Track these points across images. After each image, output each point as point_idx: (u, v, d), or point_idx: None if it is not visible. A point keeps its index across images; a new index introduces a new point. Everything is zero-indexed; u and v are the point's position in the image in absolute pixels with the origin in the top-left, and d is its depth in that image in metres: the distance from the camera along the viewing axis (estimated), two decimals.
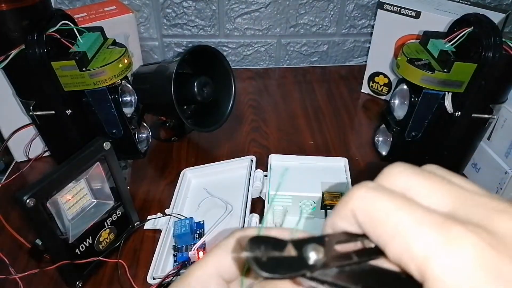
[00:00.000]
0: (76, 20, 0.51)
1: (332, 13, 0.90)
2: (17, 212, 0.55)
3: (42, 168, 0.65)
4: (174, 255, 0.50)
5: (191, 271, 0.22)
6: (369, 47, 0.83)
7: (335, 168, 0.57)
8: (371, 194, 0.17)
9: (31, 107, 0.49)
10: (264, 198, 0.56)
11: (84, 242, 0.47)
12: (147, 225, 0.54)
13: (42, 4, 0.48)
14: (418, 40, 0.55)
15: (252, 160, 0.60)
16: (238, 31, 0.90)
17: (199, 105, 0.70)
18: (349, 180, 0.55)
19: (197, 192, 0.59)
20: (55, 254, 0.44)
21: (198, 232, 0.51)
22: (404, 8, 0.69)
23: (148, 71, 0.67)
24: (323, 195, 0.52)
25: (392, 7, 0.70)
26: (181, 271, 0.47)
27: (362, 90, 0.84)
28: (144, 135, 0.61)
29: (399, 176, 0.17)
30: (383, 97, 0.82)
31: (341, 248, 0.17)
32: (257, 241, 0.16)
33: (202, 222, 0.52)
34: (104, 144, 0.45)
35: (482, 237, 0.14)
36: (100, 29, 0.52)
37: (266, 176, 0.57)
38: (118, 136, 0.54)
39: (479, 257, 0.14)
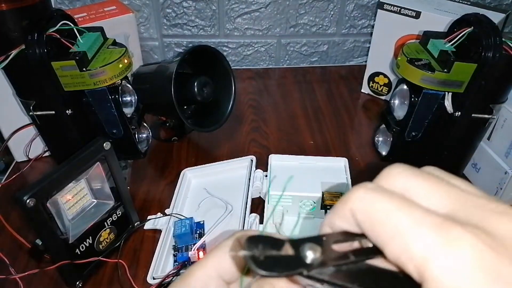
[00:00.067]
0: (76, 20, 0.51)
1: (332, 13, 0.90)
2: (17, 212, 0.55)
3: (42, 168, 0.65)
4: (174, 255, 0.50)
5: (191, 272, 0.22)
6: (369, 47, 0.83)
7: (335, 168, 0.57)
8: (370, 194, 0.17)
9: (31, 107, 0.49)
10: (264, 198, 0.56)
11: (84, 242, 0.47)
12: (147, 225, 0.54)
13: (42, 4, 0.48)
14: (418, 40, 0.55)
15: (252, 160, 0.60)
16: (238, 31, 0.90)
17: (199, 105, 0.70)
18: (349, 180, 0.55)
19: (197, 192, 0.59)
20: (55, 254, 0.44)
21: (198, 232, 0.51)
22: (404, 8, 0.69)
23: (148, 71, 0.67)
24: (323, 195, 0.52)
25: (392, 7, 0.70)
26: (181, 271, 0.47)
27: (362, 90, 0.84)
28: (144, 135, 0.61)
29: (398, 177, 0.17)
30: (383, 97, 0.82)
31: (339, 247, 0.17)
32: (255, 240, 0.17)
33: (202, 222, 0.52)
34: (104, 144, 0.45)
35: (481, 238, 0.14)
36: (100, 29, 0.52)
37: (266, 176, 0.57)
38: (118, 136, 0.54)
39: (478, 258, 0.14)
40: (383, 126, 0.60)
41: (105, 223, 0.49)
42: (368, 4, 0.89)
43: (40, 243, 0.45)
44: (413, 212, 0.16)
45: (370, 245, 0.17)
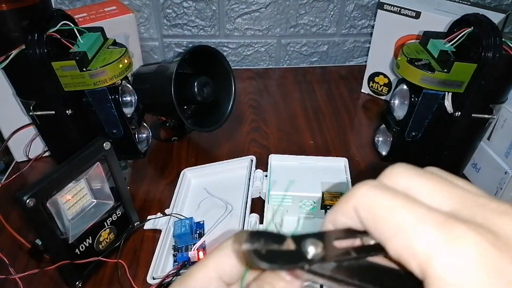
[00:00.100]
0: (76, 20, 0.51)
1: (332, 13, 0.90)
2: (17, 212, 0.55)
3: (42, 168, 0.65)
4: (174, 255, 0.50)
5: (191, 273, 0.22)
6: (369, 47, 0.83)
7: (335, 168, 0.57)
8: (373, 191, 0.17)
9: (31, 107, 0.49)
10: (264, 198, 0.56)
11: (84, 242, 0.47)
12: (147, 225, 0.54)
13: (42, 4, 0.48)
14: (418, 40, 0.55)
15: (252, 160, 0.60)
16: (238, 31, 0.90)
17: (199, 105, 0.70)
18: (349, 180, 0.55)
19: (197, 192, 0.59)
20: (55, 254, 0.44)
21: (198, 232, 0.51)
22: (404, 8, 0.69)
23: (148, 71, 0.67)
24: (323, 195, 0.52)
25: (392, 7, 0.70)
26: (181, 271, 0.47)
27: (362, 90, 0.84)
28: (144, 135, 0.61)
29: (401, 176, 0.18)
30: (383, 97, 0.82)
31: (340, 244, 0.17)
32: (257, 235, 0.17)
33: (202, 222, 0.52)
34: (104, 144, 0.45)
35: (484, 236, 0.14)
36: (100, 29, 0.52)
37: (266, 176, 0.57)
38: (118, 136, 0.54)
39: (481, 256, 0.14)
40: (383, 126, 0.60)
41: (105, 223, 0.49)
42: (368, 4, 0.89)
43: (40, 243, 0.45)
44: (416, 210, 0.16)
45: (372, 242, 0.17)
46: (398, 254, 0.16)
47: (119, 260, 0.49)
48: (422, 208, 0.16)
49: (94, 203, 0.49)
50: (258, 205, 0.56)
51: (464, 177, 0.63)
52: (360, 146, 0.70)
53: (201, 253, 0.47)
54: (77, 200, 0.46)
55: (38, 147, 0.65)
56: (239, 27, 0.90)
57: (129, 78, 0.58)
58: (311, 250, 0.16)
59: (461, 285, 0.14)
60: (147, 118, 0.62)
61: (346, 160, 0.58)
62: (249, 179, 0.57)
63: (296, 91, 0.85)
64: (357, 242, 0.18)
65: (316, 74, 0.92)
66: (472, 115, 0.51)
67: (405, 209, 0.16)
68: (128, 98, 0.56)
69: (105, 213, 0.49)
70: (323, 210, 0.52)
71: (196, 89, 0.65)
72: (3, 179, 0.63)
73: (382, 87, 0.81)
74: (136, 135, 0.58)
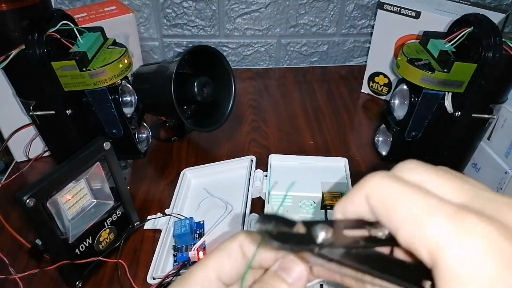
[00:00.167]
0: (76, 20, 0.51)
1: (332, 13, 0.90)
2: (17, 212, 0.55)
3: (42, 168, 0.65)
4: (174, 255, 0.50)
5: (191, 273, 0.22)
6: (369, 47, 0.83)
7: (335, 168, 0.57)
8: (386, 180, 0.17)
9: (31, 107, 0.49)
10: (264, 198, 0.56)
11: (84, 242, 0.47)
12: (147, 225, 0.54)
13: (42, 4, 0.48)
14: (418, 40, 0.55)
15: (252, 160, 0.60)
16: (238, 31, 0.90)
17: (199, 105, 0.70)
18: (349, 180, 0.55)
19: (197, 192, 0.59)
20: (55, 254, 0.44)
21: (198, 232, 0.51)
22: (404, 8, 0.69)
23: (148, 71, 0.67)
24: (323, 195, 0.52)
25: (392, 7, 0.70)
26: (181, 271, 0.47)
27: (362, 90, 0.84)
28: (144, 135, 0.61)
29: (412, 170, 0.18)
30: (383, 97, 0.82)
31: (349, 233, 0.18)
32: (268, 217, 0.17)
33: (202, 222, 0.52)
34: (104, 144, 0.45)
35: (495, 228, 0.14)
36: (100, 29, 0.52)
37: (266, 176, 0.57)
38: (118, 136, 0.54)
39: (492, 246, 0.14)
40: (383, 126, 0.60)
41: (105, 223, 0.49)
42: (368, 4, 0.89)
43: (40, 243, 0.45)
44: (428, 199, 0.16)
45: (380, 234, 0.17)
46: (409, 242, 0.16)
47: (119, 260, 0.49)
48: (434, 198, 0.16)
49: (94, 203, 0.49)
50: (258, 205, 0.56)
51: None
52: (360, 146, 0.70)
53: (201, 253, 0.47)
54: (77, 200, 0.46)
55: (38, 147, 0.65)
56: (239, 27, 0.90)
57: (129, 78, 0.58)
58: (321, 235, 0.17)
59: (471, 274, 0.14)
60: (147, 118, 0.62)
61: (346, 160, 0.58)
62: (249, 179, 0.57)
63: (296, 91, 0.85)
64: (365, 233, 0.18)
65: (316, 74, 0.92)
66: (472, 115, 0.51)
67: (417, 198, 0.16)
68: (128, 98, 0.56)
69: (105, 213, 0.49)
70: (323, 210, 0.52)
71: (196, 89, 0.65)
72: (3, 179, 0.63)
73: (382, 87, 0.81)
74: (136, 135, 0.58)
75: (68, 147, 0.49)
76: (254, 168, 0.59)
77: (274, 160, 0.58)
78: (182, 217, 0.52)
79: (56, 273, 0.48)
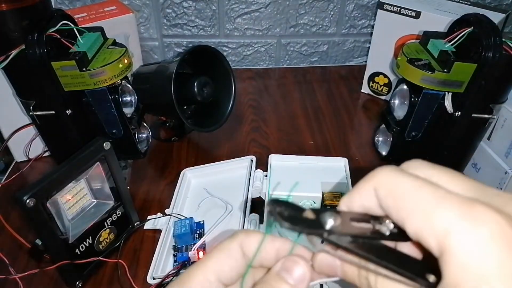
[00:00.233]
0: (76, 20, 0.51)
1: (332, 13, 0.90)
2: (17, 212, 0.55)
3: (42, 168, 0.65)
4: (174, 255, 0.50)
5: (190, 274, 0.22)
6: (369, 47, 0.83)
7: (335, 168, 0.57)
8: (395, 172, 0.17)
9: (31, 107, 0.49)
10: (264, 198, 0.56)
11: (84, 242, 0.47)
12: (147, 225, 0.54)
13: (42, 4, 0.48)
14: (418, 40, 0.55)
15: (252, 160, 0.60)
16: (238, 31, 0.90)
17: (199, 105, 0.70)
18: (349, 180, 0.55)
19: (197, 192, 0.59)
20: (55, 254, 0.44)
21: (198, 232, 0.51)
22: (404, 8, 0.69)
23: (148, 71, 0.67)
24: (323, 195, 0.52)
25: (392, 7, 0.70)
26: (181, 271, 0.47)
27: (362, 90, 0.84)
28: (144, 135, 0.61)
29: (420, 167, 0.18)
30: (383, 97, 0.82)
31: (355, 225, 0.18)
32: (278, 202, 0.18)
33: (202, 222, 0.52)
34: (104, 144, 0.45)
35: (503, 216, 0.15)
36: (100, 29, 0.52)
37: (266, 176, 0.57)
38: (118, 136, 0.54)
39: (500, 234, 0.14)
40: (383, 126, 0.60)
41: (105, 223, 0.49)
42: (368, 4, 0.89)
43: (40, 243, 0.45)
44: (436, 190, 0.16)
45: (384, 229, 0.18)
46: (417, 232, 0.16)
47: (119, 260, 0.49)
48: (442, 190, 0.16)
49: (94, 203, 0.49)
50: (258, 205, 0.56)
51: None
52: (360, 146, 0.70)
53: (201, 253, 0.47)
54: (77, 200, 0.46)
55: (38, 147, 0.65)
56: (239, 27, 0.90)
57: (129, 78, 0.58)
58: (330, 222, 0.17)
59: (478, 261, 0.14)
60: (147, 118, 0.62)
61: (346, 160, 0.58)
62: (249, 179, 0.57)
63: (296, 91, 0.85)
64: (370, 227, 0.18)
65: (316, 74, 0.92)
66: (472, 115, 0.51)
67: (426, 189, 0.16)
68: (128, 98, 0.56)
69: (105, 213, 0.49)
70: (326, 208, 0.52)
71: (196, 89, 0.65)
72: (3, 179, 0.63)
73: (382, 87, 0.81)
74: (136, 135, 0.58)
75: (68, 147, 0.49)
76: (254, 168, 0.59)
77: (274, 160, 0.58)
78: (182, 217, 0.52)
79: (56, 273, 0.48)
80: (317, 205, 0.53)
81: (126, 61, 0.51)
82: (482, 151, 0.59)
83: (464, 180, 0.17)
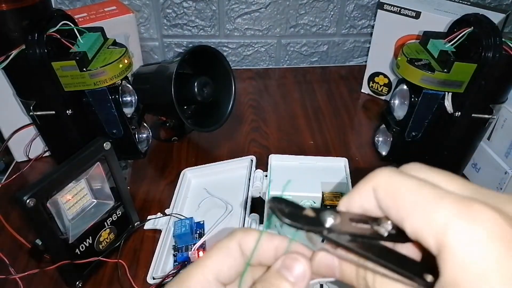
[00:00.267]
0: (76, 20, 0.51)
1: (332, 13, 0.90)
2: (17, 212, 0.55)
3: (42, 168, 0.65)
4: (174, 255, 0.50)
5: (189, 274, 0.22)
6: (369, 47, 0.83)
7: (335, 168, 0.57)
8: (394, 173, 0.18)
9: (31, 107, 0.49)
10: (264, 198, 0.56)
11: (84, 242, 0.47)
12: (147, 225, 0.54)
13: (42, 4, 0.48)
14: (418, 40, 0.55)
15: (252, 160, 0.61)
16: (238, 31, 0.90)
17: (199, 105, 0.70)
18: (349, 180, 0.55)
19: (197, 192, 0.59)
20: (55, 254, 0.44)
21: (198, 232, 0.51)
22: (404, 8, 0.69)
23: (148, 71, 0.67)
24: (323, 195, 0.52)
25: (392, 7, 0.70)
26: (181, 271, 0.47)
27: (362, 90, 0.84)
28: (144, 135, 0.61)
29: (418, 170, 0.18)
30: (383, 97, 0.82)
31: (354, 225, 0.18)
32: (279, 200, 0.18)
33: (202, 222, 0.52)
34: (104, 144, 0.45)
35: (500, 214, 0.15)
36: (101, 29, 0.52)
37: (266, 176, 0.57)
38: (118, 136, 0.54)
39: (498, 232, 0.14)
40: (383, 126, 0.60)
41: (105, 223, 0.49)
42: (368, 4, 0.89)
43: (40, 243, 0.45)
44: (435, 189, 0.16)
45: (382, 230, 0.18)
46: (416, 230, 0.16)
47: (119, 260, 0.49)
48: (440, 189, 0.16)
49: (94, 203, 0.49)
50: (258, 205, 0.56)
51: (464, 177, 0.63)
52: (360, 146, 0.70)
53: (201, 253, 0.47)
54: (77, 200, 0.46)
55: (38, 147, 0.65)
56: (239, 27, 0.90)
57: (129, 78, 0.58)
58: (329, 220, 0.17)
59: (476, 258, 0.14)
60: (147, 118, 0.62)
61: (346, 160, 0.58)
62: (249, 179, 0.57)
63: (296, 91, 0.85)
64: (368, 228, 0.18)
65: (316, 74, 0.92)
66: (472, 115, 0.51)
67: (424, 188, 0.16)
68: (128, 98, 0.56)
69: (105, 213, 0.49)
70: (325, 207, 0.52)
71: (196, 89, 0.65)
72: (3, 179, 0.63)
73: (382, 87, 0.81)
74: (136, 135, 0.58)
75: (68, 147, 0.49)
76: (254, 168, 0.59)
77: (274, 160, 0.58)
78: (182, 217, 0.52)
79: (56, 273, 0.48)
80: (317, 205, 0.53)
81: (126, 61, 0.51)
82: (482, 151, 0.59)
83: (462, 182, 0.17)
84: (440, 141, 0.54)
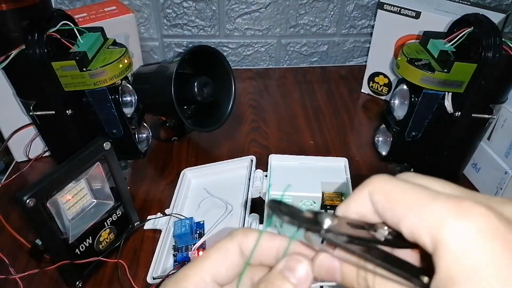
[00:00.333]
0: (76, 20, 0.51)
1: (332, 13, 0.90)
2: (17, 212, 0.55)
3: (42, 168, 0.65)
4: (174, 255, 0.50)
5: (186, 275, 0.21)
6: (369, 47, 0.83)
7: (335, 168, 0.57)
8: (389, 178, 0.18)
9: (31, 107, 0.49)
10: (264, 198, 0.56)
11: (84, 242, 0.47)
12: (147, 225, 0.54)
13: (42, 4, 0.48)
14: (418, 40, 0.55)
15: (252, 160, 0.60)
16: (238, 31, 0.90)
17: (199, 105, 0.70)
18: (349, 180, 0.55)
19: (197, 192, 0.59)
20: (55, 254, 0.44)
21: (198, 232, 0.51)
22: (404, 8, 0.69)
23: (148, 71, 0.67)
24: (323, 195, 0.52)
25: (392, 7, 0.70)
26: (178, 271, 0.47)
27: (362, 90, 0.84)
28: (144, 135, 0.61)
29: (412, 177, 0.19)
30: (383, 97, 0.82)
31: (351, 229, 0.18)
32: (277, 201, 0.18)
33: (202, 222, 0.52)
34: (104, 144, 0.45)
35: (492, 211, 0.15)
36: (100, 29, 0.52)
37: (266, 176, 0.57)
38: (118, 136, 0.54)
39: (490, 227, 0.15)
40: (383, 126, 0.60)
41: (105, 223, 0.49)
42: (368, 4, 0.89)
43: (40, 243, 0.45)
44: (429, 191, 0.17)
45: (379, 235, 0.18)
46: (412, 230, 0.16)
47: (119, 260, 0.49)
48: (434, 191, 0.17)
49: (94, 203, 0.49)
50: (258, 205, 0.56)
51: (464, 177, 0.63)
52: (360, 146, 0.70)
53: (201, 253, 0.47)
54: (77, 200, 0.46)
55: (38, 147, 0.65)
56: (239, 27, 0.90)
57: (129, 78, 0.58)
58: (327, 221, 0.18)
59: (470, 253, 0.14)
60: (147, 118, 0.62)
61: (346, 160, 0.58)
62: (249, 179, 0.57)
63: (296, 91, 0.85)
64: (365, 233, 0.19)
65: (316, 74, 0.92)
66: (472, 115, 0.51)
67: (419, 190, 0.17)
68: (128, 98, 0.56)
69: (105, 213, 0.49)
70: (323, 210, 0.52)
71: (196, 89, 0.65)
72: (3, 179, 0.63)
73: (382, 87, 0.81)
74: (136, 135, 0.58)
75: (68, 147, 0.49)
76: (254, 168, 0.59)
77: (274, 160, 0.58)
78: (182, 217, 0.52)
79: (56, 273, 0.48)
80: (317, 205, 0.53)
81: (126, 61, 0.51)
82: (482, 151, 0.59)
83: (455, 186, 0.18)
84: (440, 141, 0.54)
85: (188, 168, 0.61)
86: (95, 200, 0.49)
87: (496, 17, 0.62)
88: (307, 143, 0.70)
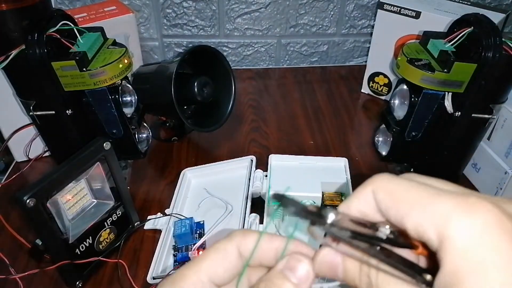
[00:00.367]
0: (76, 20, 0.51)
1: (332, 13, 0.90)
2: (17, 212, 0.55)
3: (42, 168, 0.65)
4: (174, 255, 0.50)
5: (184, 275, 0.21)
6: (369, 47, 0.83)
7: (335, 168, 0.57)
8: (392, 176, 0.18)
9: (31, 107, 0.49)
10: (264, 198, 0.56)
11: (84, 242, 0.47)
12: (147, 225, 0.54)
13: (42, 4, 0.48)
14: (418, 40, 0.55)
15: (252, 160, 0.60)
16: (238, 31, 0.90)
17: (199, 105, 0.70)
18: (349, 180, 0.55)
19: (197, 192, 0.59)
20: (55, 254, 0.44)
21: (198, 232, 0.51)
22: (404, 8, 0.69)
23: (148, 71, 0.67)
24: (323, 195, 0.52)
25: (392, 7, 0.70)
26: (175, 271, 0.47)
27: (362, 90, 0.84)
28: (144, 135, 0.61)
29: (414, 176, 0.19)
30: (383, 97, 0.82)
31: (354, 225, 0.19)
32: (281, 195, 0.19)
33: (202, 222, 0.52)
34: (104, 144, 0.45)
35: (497, 207, 0.15)
36: (100, 29, 0.52)
37: (266, 176, 0.57)
38: (118, 136, 0.54)
39: (495, 222, 0.15)
40: (383, 126, 0.60)
41: (105, 223, 0.49)
42: (368, 4, 0.89)
43: (40, 243, 0.45)
44: (432, 188, 0.17)
45: (381, 234, 0.18)
46: (417, 226, 0.16)
47: (119, 260, 0.49)
48: (437, 188, 0.17)
49: (94, 203, 0.49)
50: (258, 205, 0.56)
51: (464, 177, 0.63)
52: (360, 146, 0.70)
53: (201, 253, 0.47)
54: (77, 200, 0.46)
55: (38, 147, 0.65)
56: (239, 27, 0.90)
57: (129, 78, 0.58)
58: (331, 216, 0.18)
59: (475, 247, 0.14)
60: (147, 118, 0.62)
61: (346, 160, 0.58)
62: (249, 179, 0.57)
63: (296, 91, 0.85)
64: (367, 232, 0.19)
65: (316, 74, 0.92)
66: (472, 115, 0.51)
67: (423, 187, 0.17)
68: (128, 98, 0.56)
69: (105, 213, 0.49)
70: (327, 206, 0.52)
71: (196, 89, 0.65)
72: (3, 179, 0.63)
73: (382, 87, 0.81)
74: (136, 135, 0.58)
75: (68, 147, 0.49)
76: (254, 168, 0.59)
77: (274, 160, 0.58)
78: (182, 217, 0.52)
79: (56, 273, 0.48)
80: (317, 205, 0.53)
81: (126, 61, 0.51)
82: (482, 151, 0.59)
83: (457, 185, 0.18)
84: (440, 141, 0.54)
85: (188, 168, 0.61)
86: (95, 200, 0.49)
87: (496, 17, 0.62)
88: (307, 143, 0.70)
